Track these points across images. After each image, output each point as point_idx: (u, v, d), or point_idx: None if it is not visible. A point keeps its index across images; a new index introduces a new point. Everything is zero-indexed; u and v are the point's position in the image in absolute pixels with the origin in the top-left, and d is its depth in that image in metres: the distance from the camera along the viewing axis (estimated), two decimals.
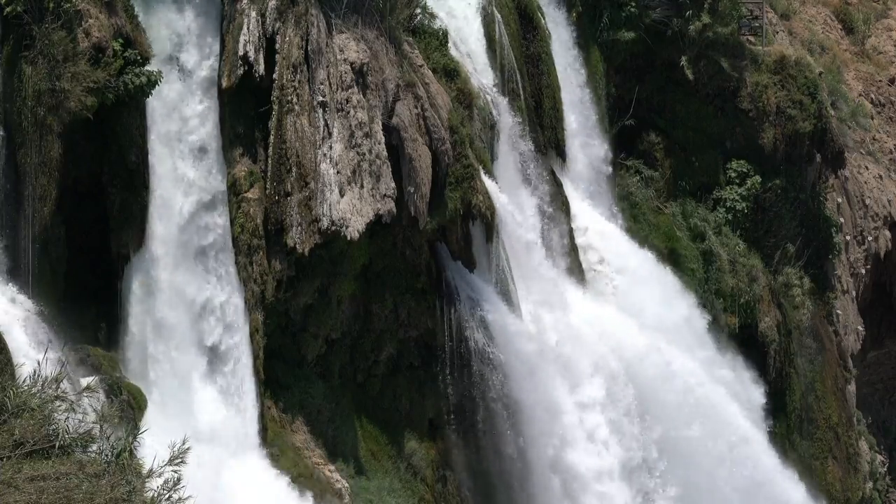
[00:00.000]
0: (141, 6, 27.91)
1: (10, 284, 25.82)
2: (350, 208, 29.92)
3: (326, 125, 30.05)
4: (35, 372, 14.07)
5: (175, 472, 13.45)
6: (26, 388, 13.84)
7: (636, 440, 36.21)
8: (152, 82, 26.97)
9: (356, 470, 31.34)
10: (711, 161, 44.02)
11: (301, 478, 29.65)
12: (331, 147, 30.00)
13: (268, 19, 29.61)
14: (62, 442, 13.17)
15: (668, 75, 43.67)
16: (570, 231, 37.88)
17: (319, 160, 29.76)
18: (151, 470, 13.45)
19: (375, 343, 32.58)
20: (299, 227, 29.48)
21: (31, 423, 13.30)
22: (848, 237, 48.10)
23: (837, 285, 46.92)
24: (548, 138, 38.66)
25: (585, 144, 40.87)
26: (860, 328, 48.66)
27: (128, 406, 25.68)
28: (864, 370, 50.74)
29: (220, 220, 29.11)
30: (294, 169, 29.52)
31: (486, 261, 34.06)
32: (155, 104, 27.77)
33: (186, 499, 13.45)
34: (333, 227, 29.62)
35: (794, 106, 44.29)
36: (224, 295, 29.14)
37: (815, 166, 45.50)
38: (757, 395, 41.37)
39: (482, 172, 33.81)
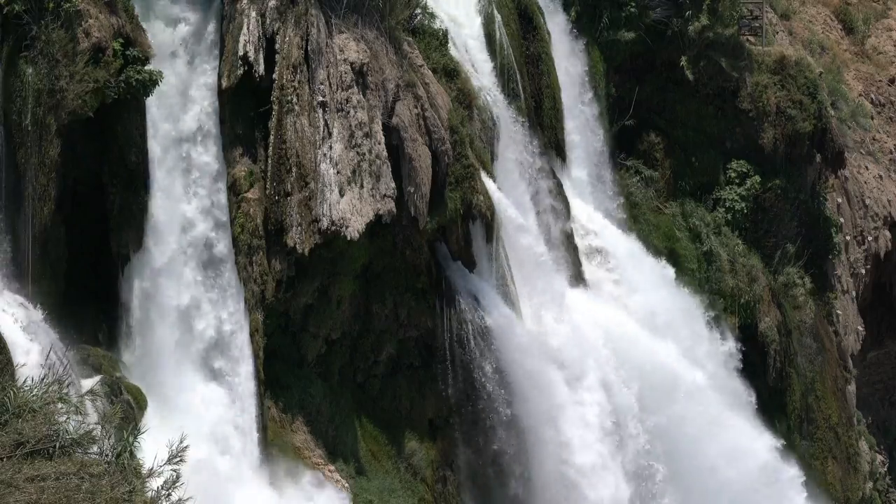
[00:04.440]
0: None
1: (10, 284, 25.82)
2: (350, 208, 29.92)
3: (326, 125, 30.06)
4: (42, 375, 14.09)
5: (174, 471, 13.45)
6: (27, 388, 13.85)
7: (637, 439, 36.21)
8: (153, 81, 26.99)
9: (356, 470, 31.34)
10: (711, 161, 44.01)
11: (301, 478, 29.68)
12: (331, 147, 30.01)
13: (268, 19, 29.62)
14: (63, 442, 13.18)
15: (668, 75, 43.66)
16: (570, 231, 37.89)
17: (319, 160, 29.77)
18: (151, 470, 13.45)
19: (375, 343, 32.58)
20: (299, 227, 29.49)
21: (33, 423, 13.31)
22: (848, 237, 48.09)
23: (837, 285, 46.92)
24: (548, 138, 38.67)
25: (585, 144, 40.87)
26: (860, 328, 48.64)
27: (128, 406, 25.69)
28: (864, 370, 50.73)
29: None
30: (294, 169, 29.54)
31: (486, 261, 34.07)
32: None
33: (187, 500, 13.45)
34: (333, 227, 29.62)
35: (794, 106, 44.28)
36: (224, 295, 29.15)
37: (815, 166, 45.49)
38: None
39: (482, 172, 33.82)
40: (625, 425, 36.01)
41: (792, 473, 40.44)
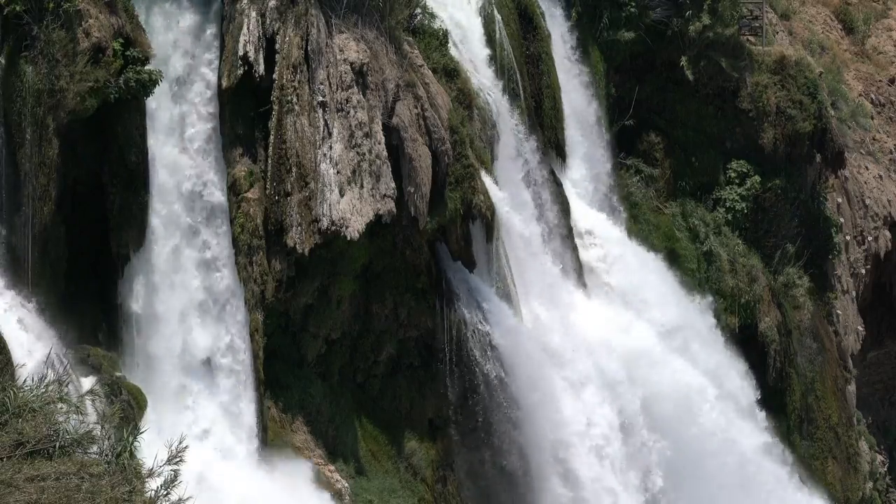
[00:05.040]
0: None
1: (10, 284, 25.83)
2: (350, 208, 29.92)
3: (326, 125, 30.06)
4: (42, 375, 14.12)
5: (174, 471, 13.46)
6: (27, 389, 13.86)
7: (637, 440, 36.22)
8: (153, 81, 27.00)
9: (356, 470, 31.34)
10: (711, 161, 44.02)
11: (301, 477, 29.68)
12: (331, 147, 30.01)
13: (268, 19, 29.62)
14: (63, 442, 13.18)
15: (668, 75, 43.66)
16: (570, 231, 37.89)
17: (319, 160, 29.77)
18: (151, 470, 13.46)
19: (375, 343, 32.58)
20: (299, 227, 29.49)
21: (33, 423, 13.32)
22: (848, 237, 48.09)
23: (837, 285, 46.92)
24: (548, 138, 38.67)
25: (585, 144, 40.88)
26: (860, 328, 48.64)
27: (128, 406, 25.70)
28: (864, 370, 50.73)
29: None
30: (294, 169, 29.54)
31: (486, 261, 34.07)
32: None
33: (187, 499, 13.46)
34: (333, 227, 29.62)
35: (794, 106, 44.28)
36: (224, 296, 29.17)
37: (815, 166, 45.49)
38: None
39: (482, 172, 33.82)
40: (627, 426, 36.00)
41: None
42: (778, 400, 43.07)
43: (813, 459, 44.22)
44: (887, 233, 50.46)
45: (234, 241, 29.23)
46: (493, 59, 36.74)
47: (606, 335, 37.00)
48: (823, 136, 44.94)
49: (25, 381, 14.39)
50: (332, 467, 30.68)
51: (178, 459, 13.11)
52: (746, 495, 39.31)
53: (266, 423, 29.51)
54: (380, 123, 30.88)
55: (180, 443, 13.09)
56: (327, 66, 30.21)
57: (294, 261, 29.90)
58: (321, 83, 30.02)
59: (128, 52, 26.77)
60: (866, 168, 50.79)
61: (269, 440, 29.50)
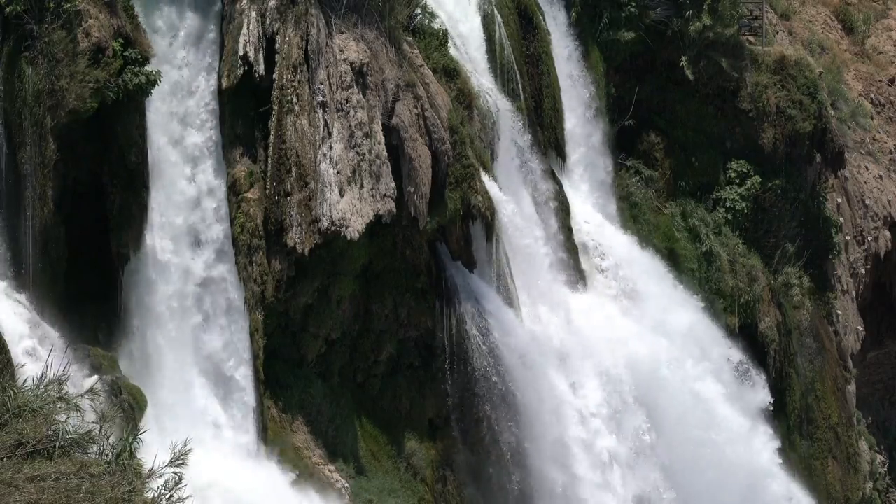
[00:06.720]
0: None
1: (10, 284, 25.83)
2: (350, 208, 29.93)
3: (326, 125, 30.07)
4: (42, 374, 14.12)
5: (176, 472, 13.46)
6: (28, 388, 13.86)
7: (636, 439, 36.22)
8: (152, 82, 27.00)
9: (356, 470, 31.35)
10: (711, 161, 44.02)
11: (301, 478, 29.69)
12: (331, 147, 30.01)
13: (268, 19, 29.63)
14: (63, 442, 13.18)
15: (668, 75, 43.66)
16: (570, 230, 37.90)
17: (319, 160, 29.78)
18: (152, 470, 13.47)
19: (375, 343, 32.58)
20: (299, 227, 29.49)
21: (33, 423, 13.32)
22: (848, 237, 48.09)
23: (837, 285, 46.92)
24: (548, 138, 38.69)
25: (585, 144, 40.89)
26: (860, 328, 48.64)
27: (128, 406, 25.69)
28: (864, 370, 50.74)
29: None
30: (294, 169, 29.54)
31: (486, 261, 34.07)
32: None
33: (186, 498, 13.46)
34: (333, 227, 29.63)
35: (794, 106, 44.28)
36: (224, 295, 29.18)
37: (815, 166, 45.50)
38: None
39: (482, 172, 33.82)
40: (626, 425, 36.01)
41: None
42: (778, 400, 43.06)
43: (813, 459, 44.23)
44: (887, 233, 50.47)
45: (234, 241, 29.24)
46: (493, 59, 36.75)
47: (606, 334, 36.99)
48: (823, 136, 44.95)
49: (25, 381, 14.39)
50: (332, 467, 30.69)
51: (180, 462, 13.11)
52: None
53: (266, 423, 29.52)
54: (380, 123, 30.88)
55: (184, 445, 13.09)
56: (327, 66, 30.21)
57: (294, 261, 29.91)
58: (321, 83, 30.03)
59: (126, 53, 26.76)
60: (866, 168, 50.79)
61: (269, 440, 29.51)
